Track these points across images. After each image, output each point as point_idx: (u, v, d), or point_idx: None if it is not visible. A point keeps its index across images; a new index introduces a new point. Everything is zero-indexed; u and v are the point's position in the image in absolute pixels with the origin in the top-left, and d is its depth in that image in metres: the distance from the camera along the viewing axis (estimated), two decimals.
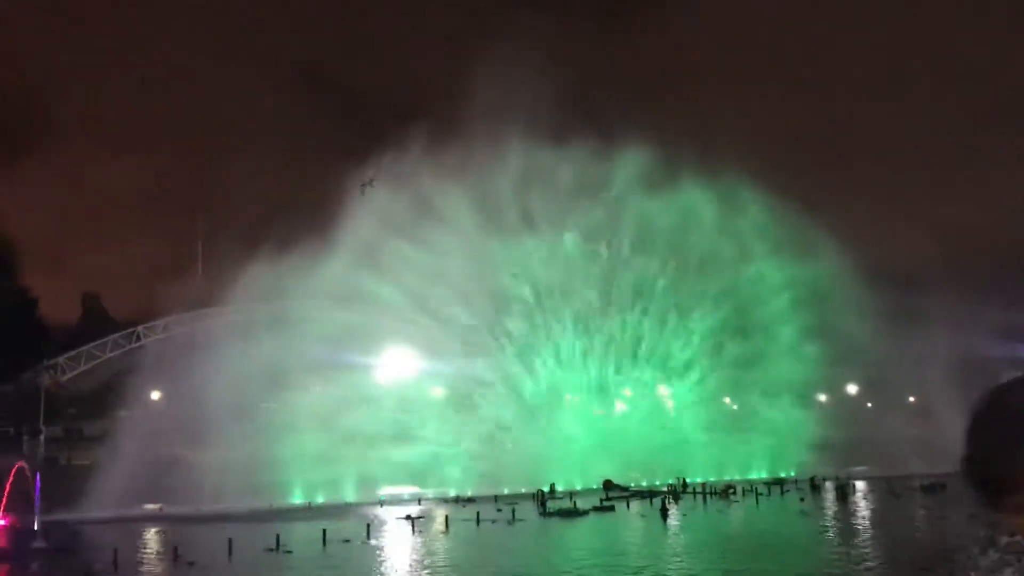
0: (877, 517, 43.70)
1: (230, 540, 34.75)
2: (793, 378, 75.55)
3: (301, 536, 39.70)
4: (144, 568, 32.42)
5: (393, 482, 64.86)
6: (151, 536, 43.87)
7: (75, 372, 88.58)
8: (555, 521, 46.13)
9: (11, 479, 43.75)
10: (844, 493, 53.93)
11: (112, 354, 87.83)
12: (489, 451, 68.67)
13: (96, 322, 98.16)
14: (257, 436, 59.56)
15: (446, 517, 45.31)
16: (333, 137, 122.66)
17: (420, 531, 42.18)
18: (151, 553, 37.14)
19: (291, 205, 65.65)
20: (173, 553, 33.34)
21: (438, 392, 75.21)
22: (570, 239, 76.99)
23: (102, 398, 77.45)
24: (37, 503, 41.14)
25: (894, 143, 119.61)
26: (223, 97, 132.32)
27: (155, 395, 69.81)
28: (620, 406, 78.74)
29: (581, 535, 41.10)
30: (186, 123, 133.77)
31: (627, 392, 78.76)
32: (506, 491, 62.58)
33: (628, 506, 52.64)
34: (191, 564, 31.59)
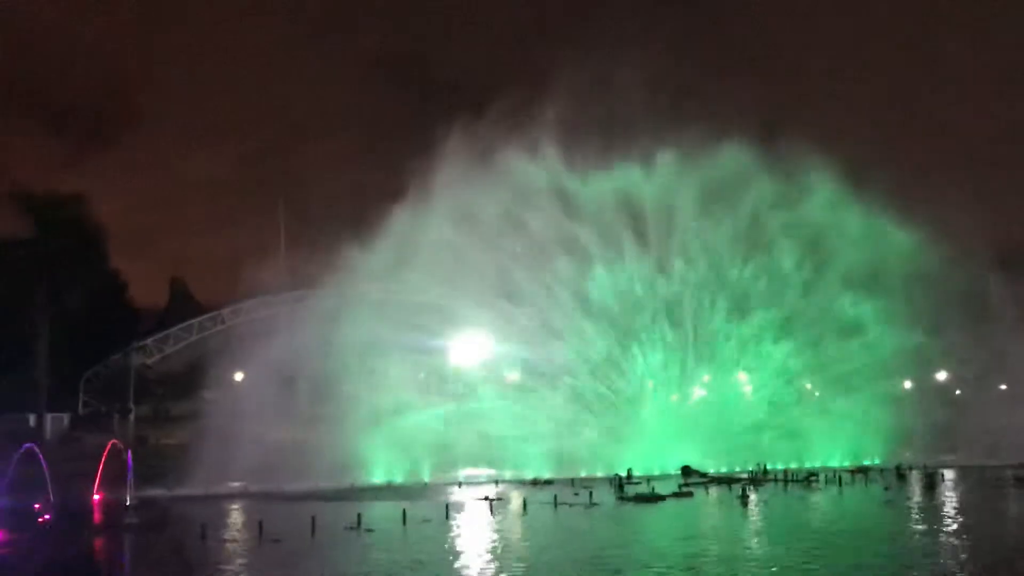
0: (965, 508, 42.35)
1: (313, 518, 35.41)
2: (879, 362, 73.52)
3: (381, 515, 40.30)
4: (231, 544, 33.29)
5: (471, 463, 65.37)
6: (236, 513, 45.05)
7: (163, 354, 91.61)
8: (632, 506, 45.87)
9: (104, 456, 45.26)
10: (931, 482, 52.43)
11: (198, 336, 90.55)
12: (567, 434, 68.54)
13: (183, 305, 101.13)
14: (338, 416, 60.57)
15: (524, 499, 45.45)
16: (409, 125, 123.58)
17: (498, 513, 42.38)
18: (237, 529, 38.14)
19: (369, 191, 66.04)
20: (258, 529, 34.14)
21: (514, 376, 75.41)
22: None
23: (188, 379, 79.97)
24: (130, 479, 42.61)
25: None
26: (303, 87, 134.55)
27: (239, 376, 71.41)
28: (698, 391, 77.76)
29: (658, 520, 40.82)
30: (268, 113, 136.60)
31: (706, 378, 77.69)
32: (583, 474, 62.52)
33: (707, 492, 52.07)
34: (276, 541, 32.32)
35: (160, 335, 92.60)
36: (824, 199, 74.19)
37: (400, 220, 67.41)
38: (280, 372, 64.40)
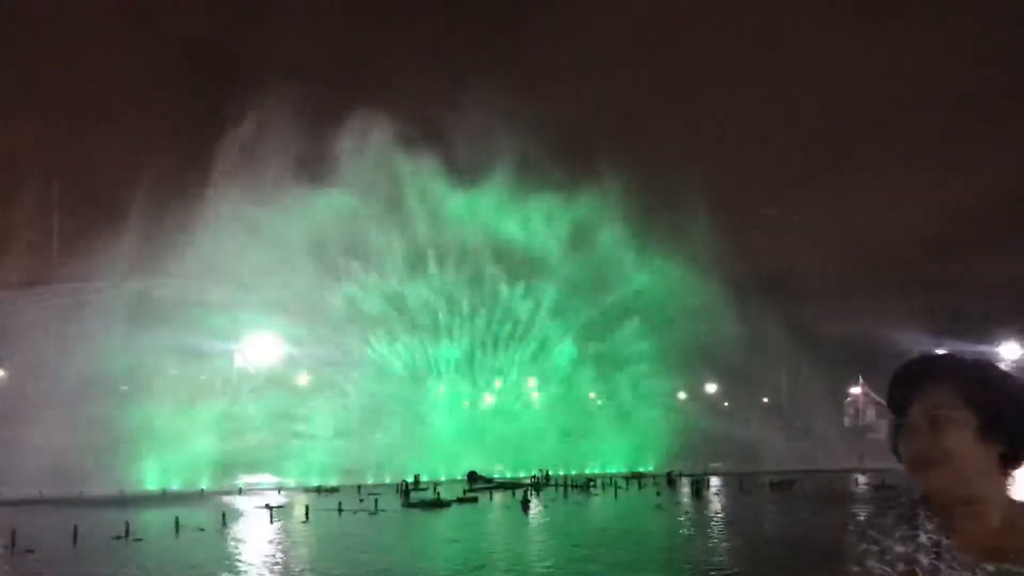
0: (728, 511, 45.47)
1: (75, 527, 33.22)
2: (655, 375, 77.90)
3: (153, 524, 38.38)
4: None
5: (252, 470, 63.46)
6: None
7: None
8: (418, 512, 46.06)
9: None
10: (699, 488, 55.89)
11: None
12: (354, 439, 67.96)
13: None
14: (109, 419, 57.04)
15: (307, 507, 44.58)
16: (211, 109, 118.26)
17: (279, 520, 41.36)
18: None
19: (160, 176, 62.59)
20: (10, 539, 31.60)
21: (304, 378, 74.01)
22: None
23: None
24: None
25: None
26: (95, 65, 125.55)
27: (0, 373, 65.97)
28: (488, 398, 79.32)
29: (442, 525, 41.20)
30: (56, 89, 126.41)
31: (497, 384, 79.38)
32: (370, 481, 62.18)
33: (491, 497, 53.09)
34: (29, 552, 30.00)
35: None
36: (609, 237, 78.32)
37: (188, 216, 64.70)
38: (45, 370, 60.03)
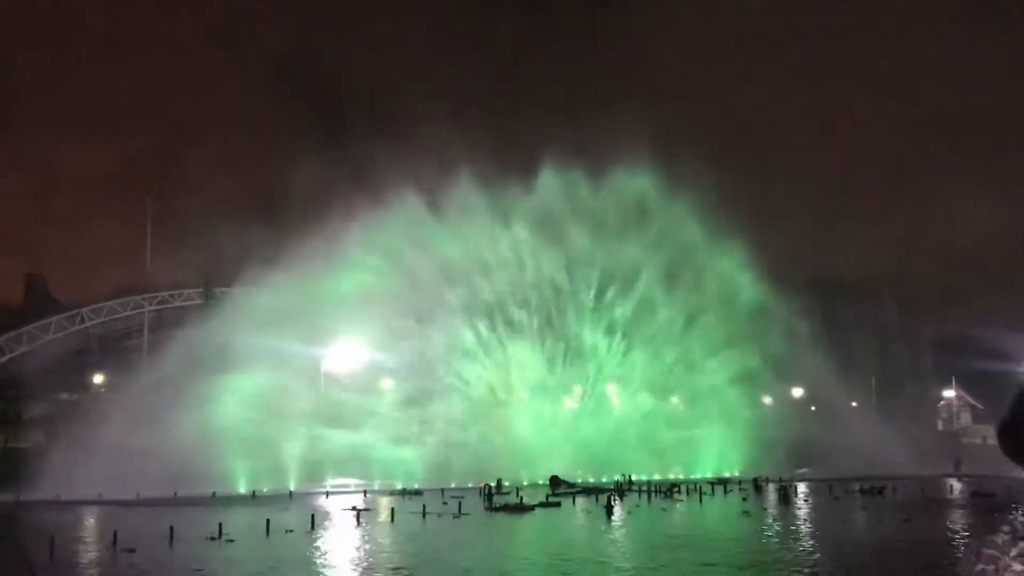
0: (817, 518, 44.45)
1: (171, 528, 34.31)
2: (740, 378, 76.61)
3: (244, 525, 39.40)
4: (81, 556, 31.71)
5: (340, 473, 64.54)
6: (90, 522, 43.15)
7: (15, 353, 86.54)
8: (501, 516, 46.21)
9: None
10: (786, 494, 54.78)
11: (55, 335, 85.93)
12: (438, 444, 68.54)
13: (40, 303, 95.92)
14: (202, 423, 58.69)
15: (392, 509, 45.17)
16: (302, 128, 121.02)
17: (365, 523, 41.99)
18: (89, 539, 36.48)
19: (254, 194, 64.56)
20: (112, 539, 32.81)
21: (388, 384, 74.93)
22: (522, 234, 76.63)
23: (44, 381, 75.89)
24: None
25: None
26: (194, 85, 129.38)
27: (98, 379, 68.49)
28: (569, 403, 79.07)
29: (525, 529, 41.27)
30: (155, 111, 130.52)
31: (577, 389, 79.12)
32: (453, 485, 62.62)
33: (574, 502, 52.95)
34: (131, 551, 31.09)
35: (12, 333, 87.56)
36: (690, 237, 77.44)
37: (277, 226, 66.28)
38: (142, 375, 62.11)
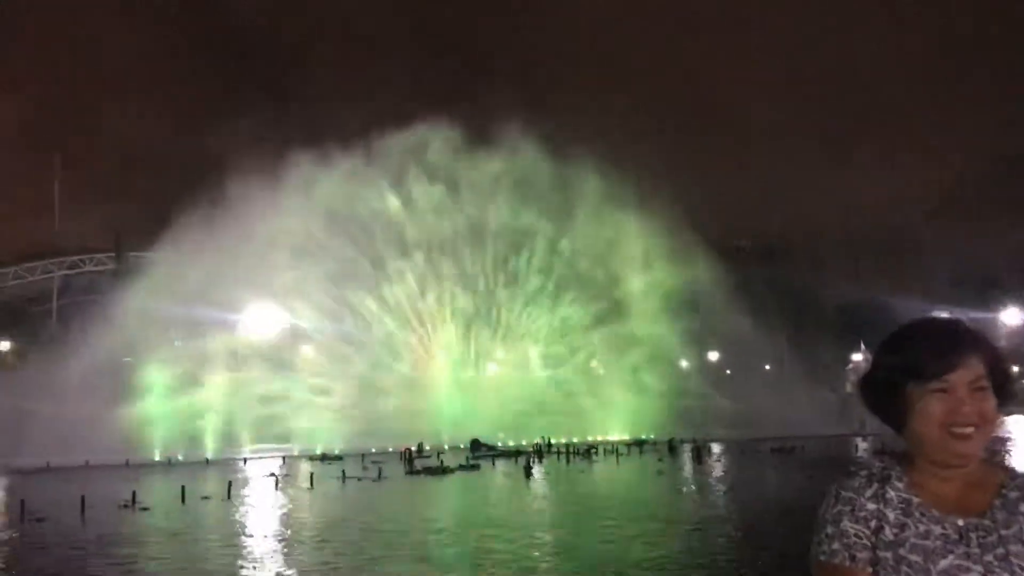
0: (728, 476, 45.83)
1: (83, 496, 33.62)
2: (656, 343, 78.10)
3: (159, 492, 38.83)
4: None
5: (258, 438, 63.94)
6: None
7: None
8: (421, 479, 46.49)
9: None
10: (700, 454, 56.26)
11: None
12: (358, 409, 68.37)
13: None
14: (115, 390, 57.39)
15: (311, 474, 45.02)
16: (211, 81, 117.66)
17: (284, 488, 41.77)
18: None
19: (163, 150, 62.61)
20: (20, 508, 32.00)
21: (307, 349, 74.26)
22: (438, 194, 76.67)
23: None
24: None
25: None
26: (97, 38, 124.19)
27: (4, 345, 66.21)
28: (492, 367, 79.65)
29: (445, 492, 41.62)
30: (56, 66, 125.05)
31: (499, 353, 79.71)
32: (374, 450, 62.64)
33: (494, 465, 53.52)
34: (40, 520, 30.39)
35: None
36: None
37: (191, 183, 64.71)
38: (52, 341, 60.30)
